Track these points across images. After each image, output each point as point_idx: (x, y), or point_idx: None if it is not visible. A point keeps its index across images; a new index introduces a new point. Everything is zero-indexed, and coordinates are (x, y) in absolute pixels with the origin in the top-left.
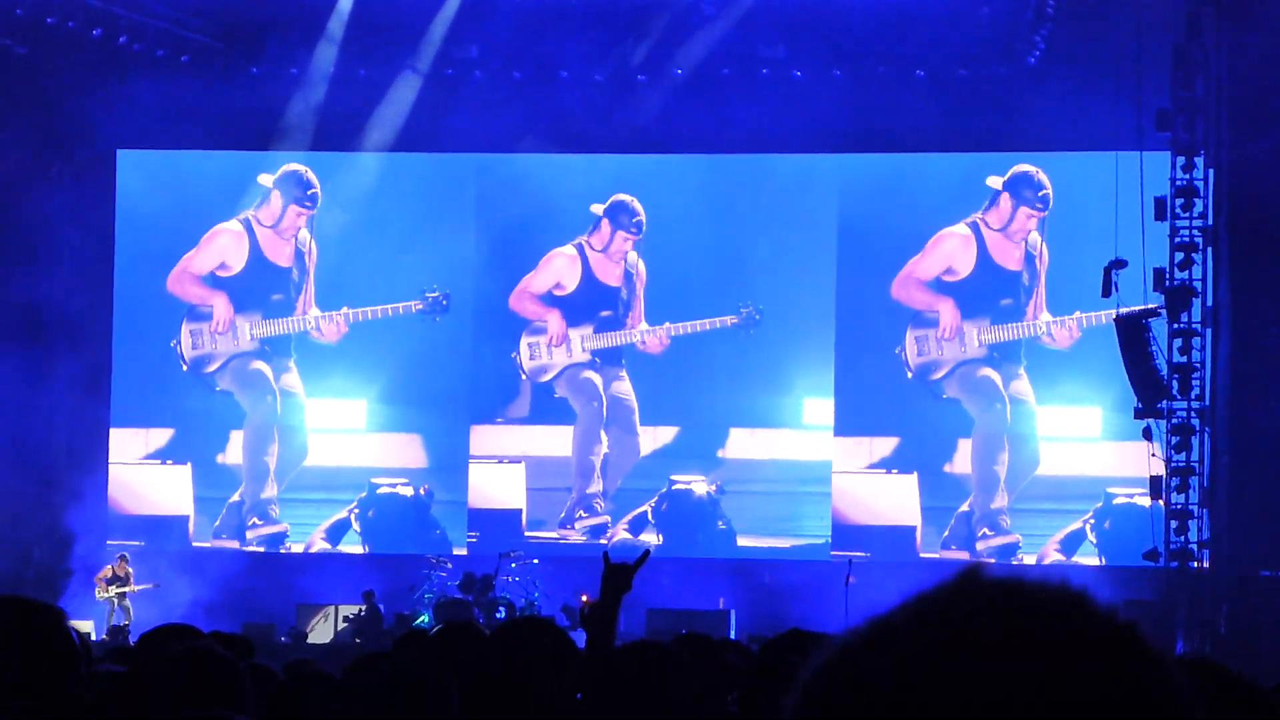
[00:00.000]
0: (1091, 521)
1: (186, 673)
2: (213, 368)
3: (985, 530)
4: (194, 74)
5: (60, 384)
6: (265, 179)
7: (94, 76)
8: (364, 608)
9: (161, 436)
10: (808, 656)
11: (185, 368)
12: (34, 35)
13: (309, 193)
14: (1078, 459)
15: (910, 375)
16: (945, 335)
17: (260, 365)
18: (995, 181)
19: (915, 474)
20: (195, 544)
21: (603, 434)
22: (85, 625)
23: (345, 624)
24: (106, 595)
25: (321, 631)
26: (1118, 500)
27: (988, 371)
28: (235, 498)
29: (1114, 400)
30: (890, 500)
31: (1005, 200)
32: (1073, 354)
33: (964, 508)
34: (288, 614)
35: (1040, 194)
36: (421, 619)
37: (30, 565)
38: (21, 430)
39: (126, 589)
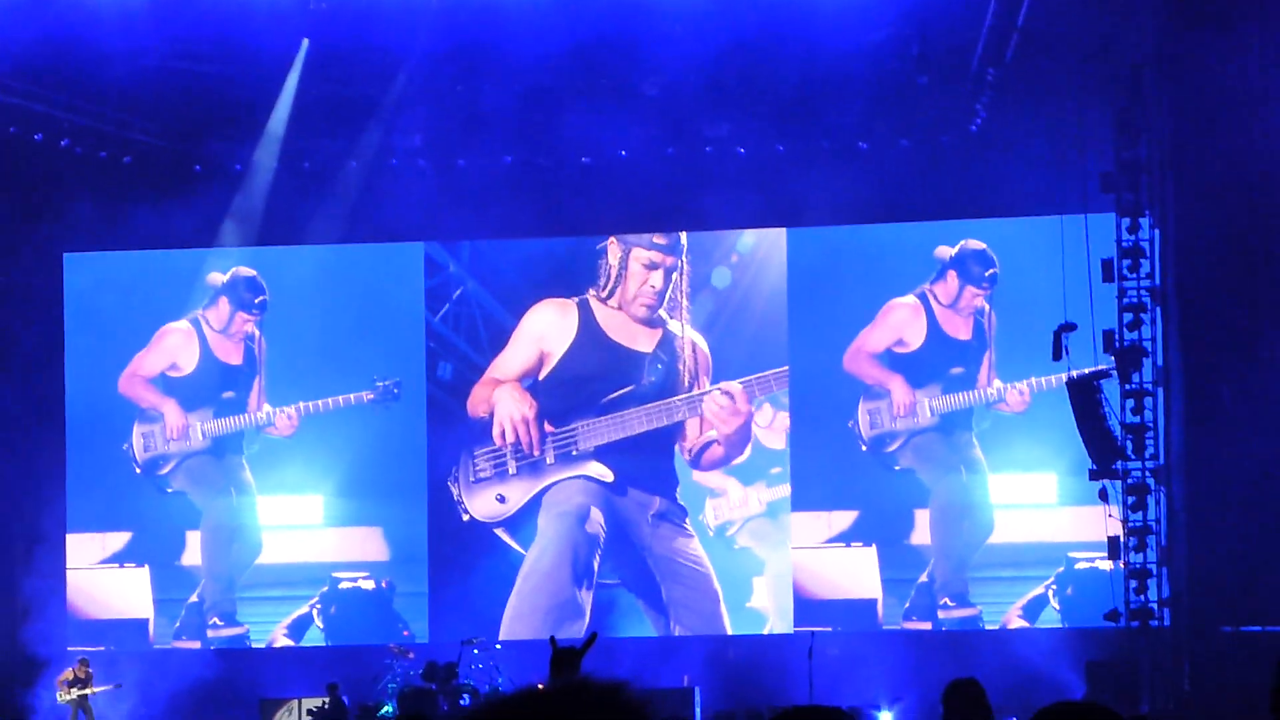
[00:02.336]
0: (1054, 587)
1: None
2: (166, 469)
3: (946, 600)
4: (137, 174)
5: (15, 489)
6: (215, 278)
7: (37, 180)
8: (328, 700)
9: (118, 540)
10: None
11: (138, 470)
12: None
13: (257, 300)
14: (1036, 525)
15: (864, 448)
16: (899, 413)
17: (214, 463)
18: (944, 252)
19: (874, 546)
20: (156, 646)
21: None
22: None
23: (309, 717)
24: (68, 698)
25: None
26: (1079, 565)
27: (941, 440)
28: (194, 598)
29: (1069, 465)
30: (850, 573)
31: (952, 277)
32: (1026, 419)
33: (923, 578)
34: (251, 710)
35: (988, 273)
36: (385, 709)
37: None
38: None
39: (87, 690)
